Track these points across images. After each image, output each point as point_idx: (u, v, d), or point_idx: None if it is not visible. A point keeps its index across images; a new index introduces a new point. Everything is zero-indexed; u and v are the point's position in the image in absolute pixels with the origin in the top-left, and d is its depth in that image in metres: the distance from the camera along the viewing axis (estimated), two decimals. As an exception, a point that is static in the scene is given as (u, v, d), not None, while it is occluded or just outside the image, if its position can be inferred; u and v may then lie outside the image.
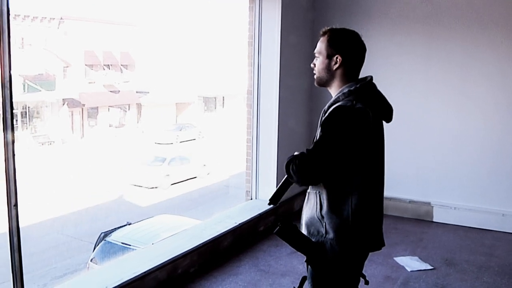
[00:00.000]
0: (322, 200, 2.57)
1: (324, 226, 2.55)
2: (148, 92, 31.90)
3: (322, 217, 2.56)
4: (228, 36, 31.64)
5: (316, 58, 2.69)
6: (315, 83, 2.74)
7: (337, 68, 2.61)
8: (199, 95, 34.45)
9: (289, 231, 2.60)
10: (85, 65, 28.87)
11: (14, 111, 3.57)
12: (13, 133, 3.48)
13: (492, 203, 6.20)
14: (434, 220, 6.47)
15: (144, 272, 4.25)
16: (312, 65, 2.71)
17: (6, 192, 3.50)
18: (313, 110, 6.77)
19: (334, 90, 2.66)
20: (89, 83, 28.96)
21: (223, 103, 36.59)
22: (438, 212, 6.45)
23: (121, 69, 31.39)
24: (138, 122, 32.11)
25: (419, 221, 6.46)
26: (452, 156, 6.38)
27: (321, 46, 2.65)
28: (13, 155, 3.49)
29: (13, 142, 3.48)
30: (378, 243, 2.69)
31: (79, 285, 4.18)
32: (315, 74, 2.71)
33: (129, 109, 31.81)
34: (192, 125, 31.19)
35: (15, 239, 3.56)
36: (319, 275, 2.68)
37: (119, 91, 30.71)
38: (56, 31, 27.25)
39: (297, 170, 2.50)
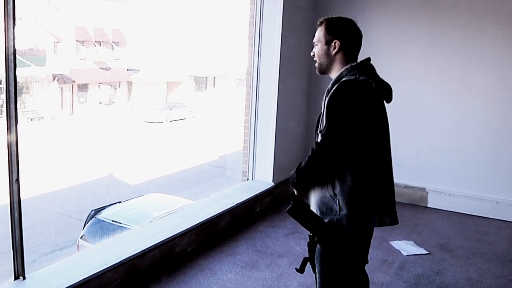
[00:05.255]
0: (333, 179, 2.61)
1: (337, 203, 2.60)
2: (139, 70, 31.61)
3: (335, 194, 2.60)
4: (221, 16, 31.43)
5: (315, 46, 2.81)
6: (317, 71, 2.86)
7: (336, 53, 2.74)
8: (190, 74, 34.23)
9: (302, 210, 2.63)
10: (76, 41, 28.48)
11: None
12: (16, 106, 3.43)
13: (486, 190, 6.26)
14: (429, 205, 6.53)
15: (143, 250, 4.26)
16: (312, 54, 2.83)
17: (8, 167, 3.48)
18: (312, 92, 6.76)
19: (335, 75, 2.74)
20: (80, 59, 28.59)
21: (214, 83, 36.40)
22: (433, 197, 6.50)
23: (112, 46, 31.05)
24: (128, 100, 31.85)
25: (414, 206, 6.51)
26: (448, 143, 6.42)
27: (319, 34, 2.79)
28: (16, 129, 3.45)
29: (16, 115, 3.44)
30: (393, 218, 2.75)
31: (78, 262, 4.16)
32: (315, 61, 2.83)
33: (119, 87, 31.51)
34: (182, 104, 30.96)
35: (16, 213, 3.57)
36: (329, 254, 2.71)
37: (109, 68, 30.40)
38: (47, 6, 26.88)
39: (320, 159, 2.59)
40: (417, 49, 6.43)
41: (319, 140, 2.60)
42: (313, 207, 2.70)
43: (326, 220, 2.62)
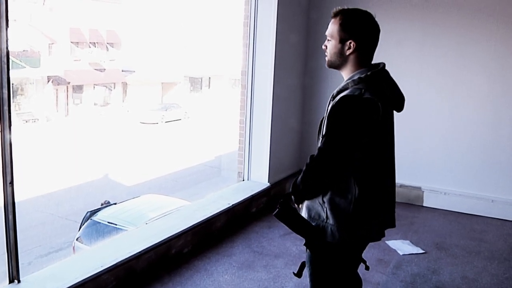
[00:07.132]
0: (326, 187, 2.53)
1: (325, 211, 2.52)
2: (134, 71, 31.62)
3: (324, 202, 2.52)
4: (216, 17, 31.42)
5: (327, 40, 2.60)
6: (326, 65, 2.65)
7: (350, 53, 2.54)
8: (185, 75, 34.23)
9: (289, 214, 2.57)
10: (71, 42, 28.48)
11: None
12: (10, 108, 3.41)
13: (482, 189, 6.24)
14: (424, 204, 6.52)
15: (139, 252, 4.23)
16: (323, 47, 2.63)
17: (2, 170, 3.46)
18: (307, 91, 6.75)
19: (346, 74, 2.59)
20: (75, 60, 28.59)
21: (209, 83, 36.40)
22: (429, 196, 6.49)
23: (107, 47, 31.04)
24: (123, 101, 31.85)
25: (410, 205, 6.49)
26: (444, 142, 6.41)
27: (333, 29, 2.55)
28: (10, 130, 3.43)
29: (9, 117, 3.41)
30: (378, 234, 2.67)
31: (74, 264, 4.15)
32: (326, 56, 2.63)
33: (114, 88, 31.53)
34: (177, 105, 30.98)
35: (11, 216, 3.53)
36: (318, 259, 2.66)
37: (104, 69, 30.40)
38: (42, 7, 26.84)
39: (314, 172, 2.51)
40: (412, 48, 6.41)
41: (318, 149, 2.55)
42: (304, 209, 2.64)
43: (313, 224, 2.56)
